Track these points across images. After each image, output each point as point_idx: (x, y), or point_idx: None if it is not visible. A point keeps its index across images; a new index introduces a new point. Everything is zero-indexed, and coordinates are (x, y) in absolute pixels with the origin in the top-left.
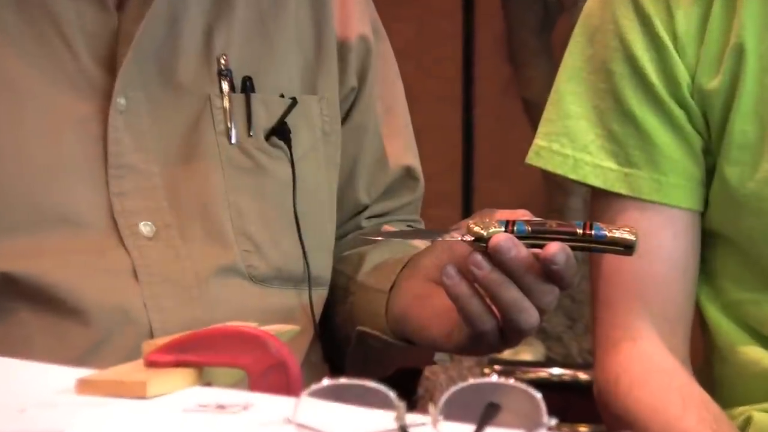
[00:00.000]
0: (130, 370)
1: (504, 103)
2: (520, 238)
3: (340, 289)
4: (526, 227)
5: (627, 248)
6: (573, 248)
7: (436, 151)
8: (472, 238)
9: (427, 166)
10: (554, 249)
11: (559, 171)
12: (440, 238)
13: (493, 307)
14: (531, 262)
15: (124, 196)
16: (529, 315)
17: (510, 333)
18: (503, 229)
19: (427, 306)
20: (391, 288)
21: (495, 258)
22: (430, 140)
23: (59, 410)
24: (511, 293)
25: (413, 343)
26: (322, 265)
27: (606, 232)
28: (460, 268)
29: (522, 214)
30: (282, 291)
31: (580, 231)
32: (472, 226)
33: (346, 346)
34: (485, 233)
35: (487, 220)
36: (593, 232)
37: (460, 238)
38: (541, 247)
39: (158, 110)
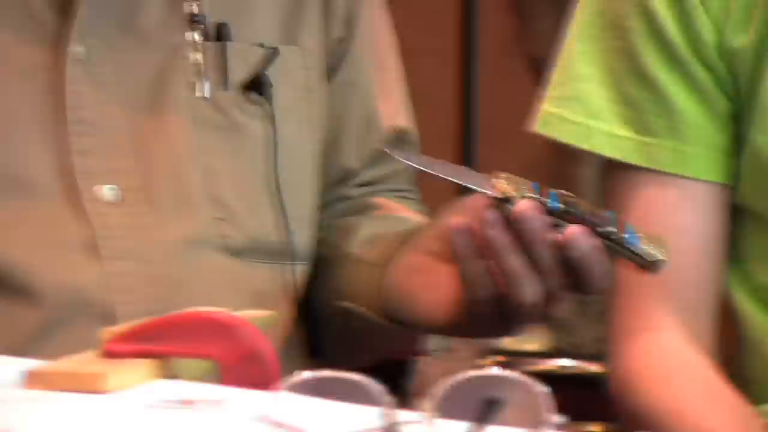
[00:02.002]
0: (87, 361)
1: (508, 59)
2: (549, 212)
3: (325, 261)
4: (560, 204)
5: (653, 266)
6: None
7: (430, 115)
8: (500, 195)
9: (422, 130)
10: (572, 231)
11: (569, 140)
12: (471, 186)
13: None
14: (551, 238)
15: (86, 155)
16: (530, 289)
17: (507, 308)
18: (532, 194)
19: (424, 280)
20: (386, 263)
21: (515, 224)
22: (424, 102)
23: (6, 406)
24: (517, 262)
25: (402, 324)
26: (305, 238)
27: (640, 243)
28: (471, 226)
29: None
30: (259, 265)
31: (614, 229)
32: (501, 183)
33: (329, 325)
34: (517, 194)
35: (519, 181)
36: (626, 236)
37: (488, 192)
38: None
39: (121, 60)
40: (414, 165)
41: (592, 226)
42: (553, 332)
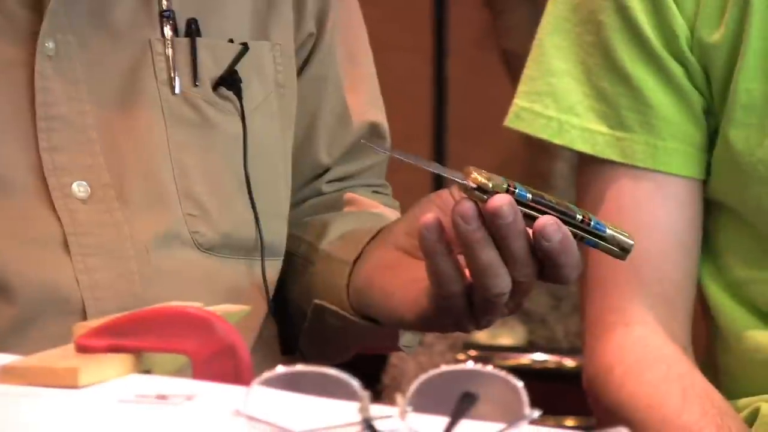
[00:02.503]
0: (60, 356)
1: (481, 54)
2: (517, 203)
3: (299, 258)
4: (528, 194)
5: (622, 251)
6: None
7: (403, 110)
8: (475, 186)
9: (394, 126)
10: (544, 221)
11: (543, 135)
12: (446, 175)
13: (466, 270)
14: (524, 230)
15: (56, 152)
16: (502, 281)
17: (478, 301)
18: (506, 186)
19: (393, 275)
20: (357, 259)
21: (489, 218)
22: (397, 97)
23: None
24: (490, 255)
25: (374, 321)
26: (276, 233)
27: (606, 228)
28: (441, 221)
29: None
30: (231, 261)
31: (580, 216)
32: (476, 175)
33: (301, 322)
34: (490, 185)
35: (489, 174)
36: (592, 222)
37: (463, 182)
38: (534, 218)
39: (92, 56)
40: (393, 155)
41: (561, 215)
42: (527, 326)
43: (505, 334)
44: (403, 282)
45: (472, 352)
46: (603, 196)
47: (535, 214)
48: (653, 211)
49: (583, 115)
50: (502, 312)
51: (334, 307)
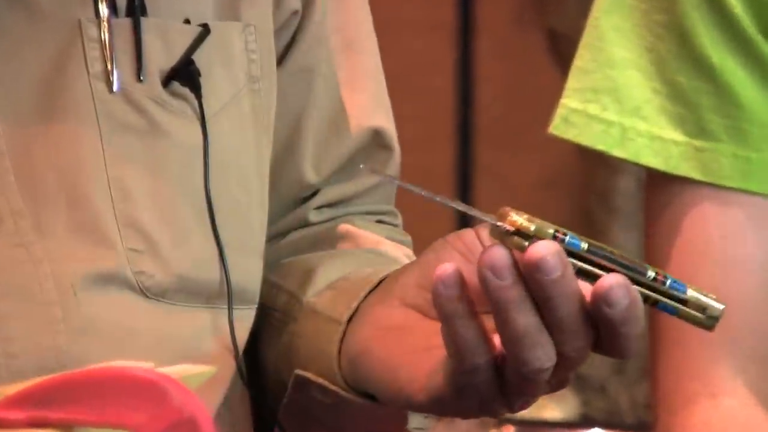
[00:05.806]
0: None
1: (518, 35)
2: (568, 254)
3: (277, 313)
4: (582, 243)
5: (708, 318)
6: None
7: (418, 106)
8: (511, 229)
9: (408, 129)
10: (611, 280)
11: (600, 145)
12: (474, 214)
13: (495, 337)
14: (576, 290)
15: None
16: (544, 353)
17: (511, 377)
18: (552, 232)
19: (399, 342)
20: (351, 318)
21: (528, 271)
22: (411, 89)
23: None
24: (529, 320)
25: (373, 398)
26: (247, 274)
27: (687, 288)
28: (462, 274)
29: None
30: (189, 310)
31: (651, 274)
32: (512, 215)
33: (281, 396)
34: (532, 228)
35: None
36: (668, 282)
37: (496, 222)
38: (590, 275)
39: (5, 46)
40: (403, 187)
41: (626, 271)
42: (581, 396)
43: (552, 406)
44: (412, 350)
45: (509, 429)
46: (679, 226)
47: (590, 268)
48: (745, 245)
49: (652, 118)
50: (543, 390)
51: (320, 380)
